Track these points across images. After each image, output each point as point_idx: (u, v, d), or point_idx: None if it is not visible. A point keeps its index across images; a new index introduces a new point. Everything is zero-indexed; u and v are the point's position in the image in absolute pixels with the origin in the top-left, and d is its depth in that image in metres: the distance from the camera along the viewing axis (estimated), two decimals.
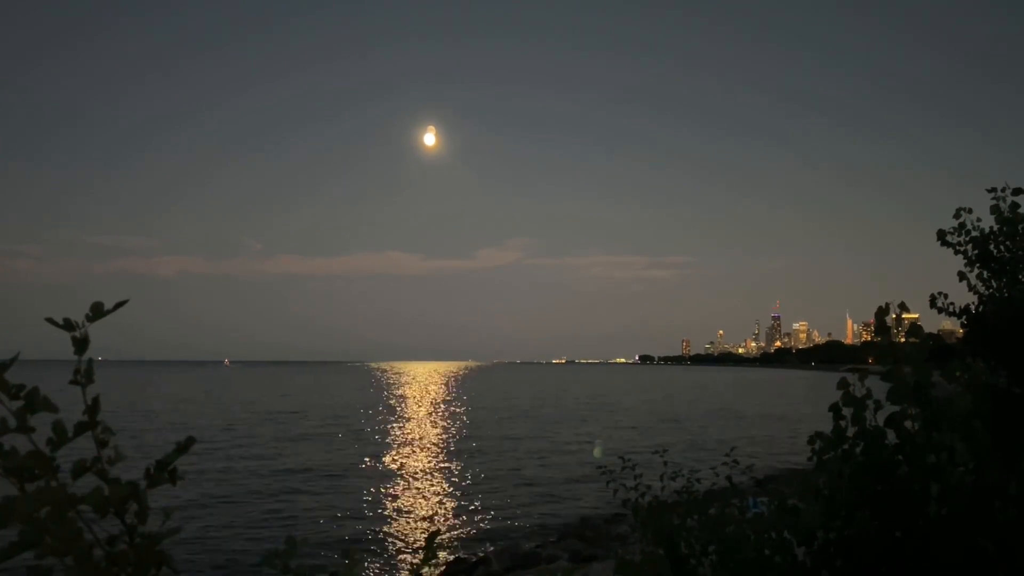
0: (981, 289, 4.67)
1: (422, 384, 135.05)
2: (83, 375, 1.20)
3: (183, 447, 1.29)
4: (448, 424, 51.73)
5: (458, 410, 65.47)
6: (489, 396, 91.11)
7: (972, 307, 4.67)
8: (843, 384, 2.49)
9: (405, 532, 19.98)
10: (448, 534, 19.71)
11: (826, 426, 2.55)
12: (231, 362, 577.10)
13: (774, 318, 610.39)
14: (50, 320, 1.20)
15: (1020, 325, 4.03)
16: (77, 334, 1.19)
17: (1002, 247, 4.58)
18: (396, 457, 34.43)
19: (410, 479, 28.44)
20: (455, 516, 22.14)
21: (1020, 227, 4.51)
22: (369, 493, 25.16)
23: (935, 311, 4.75)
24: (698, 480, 4.86)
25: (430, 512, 22.68)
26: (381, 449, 37.19)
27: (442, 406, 72.10)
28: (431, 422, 53.86)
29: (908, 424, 2.35)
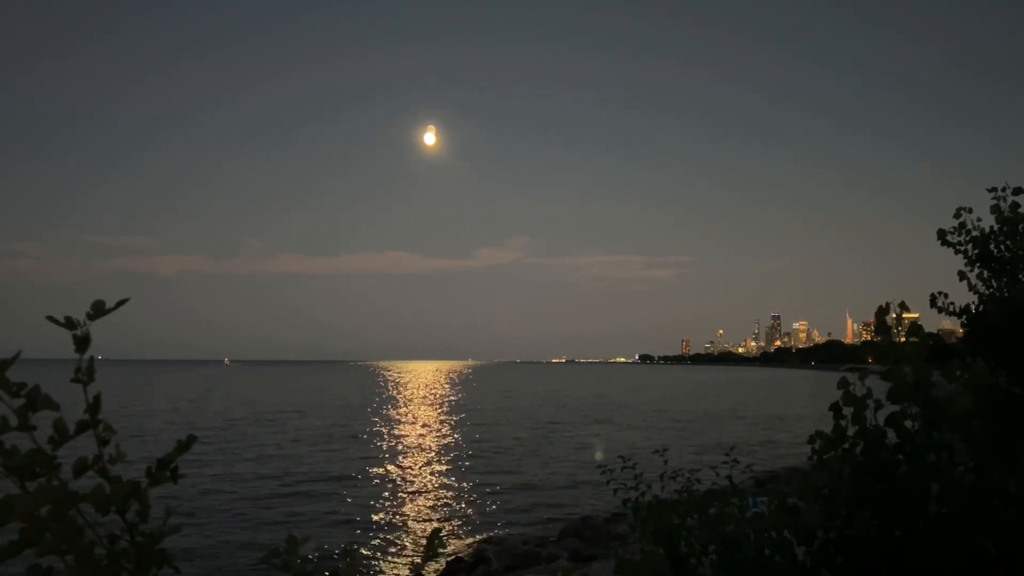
0: (981, 289, 4.67)
1: (422, 384, 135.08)
2: (84, 373, 1.20)
3: (184, 445, 1.29)
4: (448, 423, 51.74)
5: (458, 410, 65.47)
6: (489, 396, 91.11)
7: (972, 307, 4.66)
8: (843, 383, 2.49)
9: (405, 531, 19.99)
10: (448, 533, 19.71)
11: (826, 425, 2.55)
12: (231, 361, 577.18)
13: (774, 318, 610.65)
14: (51, 318, 1.20)
15: (1020, 325, 4.03)
16: (78, 332, 1.19)
17: (1002, 247, 4.58)
18: (396, 456, 34.44)
19: (410, 478, 28.45)
20: (455, 515, 22.15)
21: (1020, 227, 4.51)
22: (369, 492, 25.17)
23: (935, 311, 4.75)
24: (698, 480, 4.86)
25: (430, 511, 22.69)
26: (381, 448, 37.19)
27: (442, 406, 72.12)
28: (431, 421, 53.87)
29: (908, 423, 2.35)
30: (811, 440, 2.56)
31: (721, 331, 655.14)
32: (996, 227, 4.59)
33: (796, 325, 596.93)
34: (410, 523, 20.94)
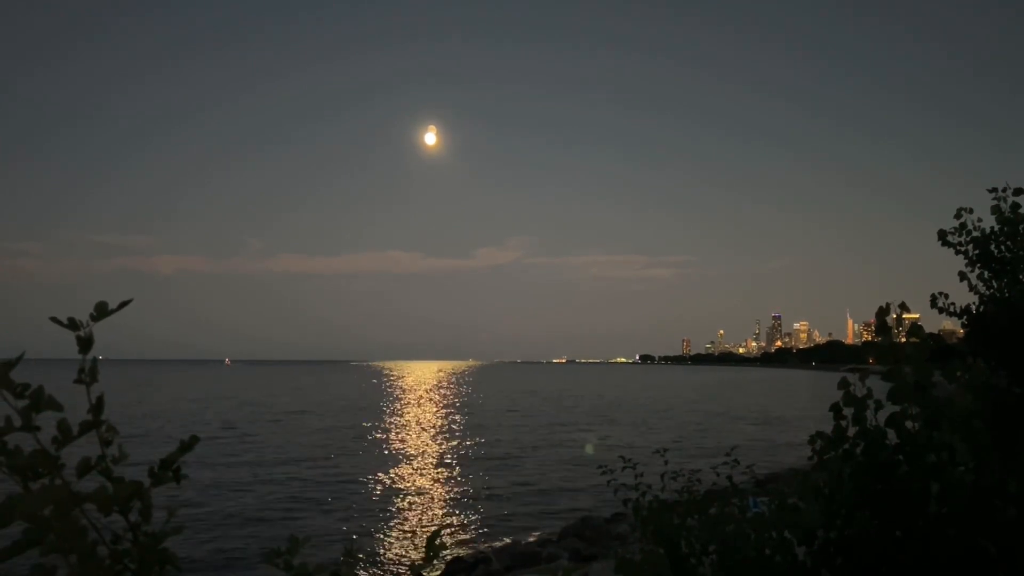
0: (982, 289, 4.67)
1: (423, 384, 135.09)
2: (88, 374, 1.20)
3: (187, 446, 1.29)
4: (448, 424, 51.74)
5: (458, 410, 65.47)
6: (490, 396, 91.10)
7: (973, 307, 4.67)
8: (844, 384, 2.49)
9: (406, 531, 19.99)
10: (448, 533, 19.72)
11: (827, 426, 2.55)
12: (232, 361, 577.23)
13: (775, 318, 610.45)
14: (55, 319, 1.20)
15: (1021, 326, 4.03)
16: (82, 333, 1.20)
17: (1003, 247, 4.58)
18: (396, 457, 34.45)
19: (411, 478, 28.46)
20: (455, 515, 22.16)
21: (1021, 227, 4.52)
22: (370, 492, 25.18)
23: (936, 311, 4.75)
24: (698, 480, 4.86)
25: (431, 511, 22.70)
26: (382, 449, 37.20)
27: (442, 406, 72.12)
28: (431, 422, 53.87)
29: (909, 424, 2.36)
30: (812, 440, 2.57)
31: (722, 331, 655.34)
32: (997, 228, 4.60)
33: (797, 325, 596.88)
34: (411, 523, 20.95)
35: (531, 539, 19.11)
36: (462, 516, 22.03)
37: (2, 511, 1.10)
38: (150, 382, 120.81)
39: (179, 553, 1.26)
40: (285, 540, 1.57)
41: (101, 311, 1.22)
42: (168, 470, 1.27)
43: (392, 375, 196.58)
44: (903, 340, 2.44)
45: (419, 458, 34.13)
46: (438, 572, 16.08)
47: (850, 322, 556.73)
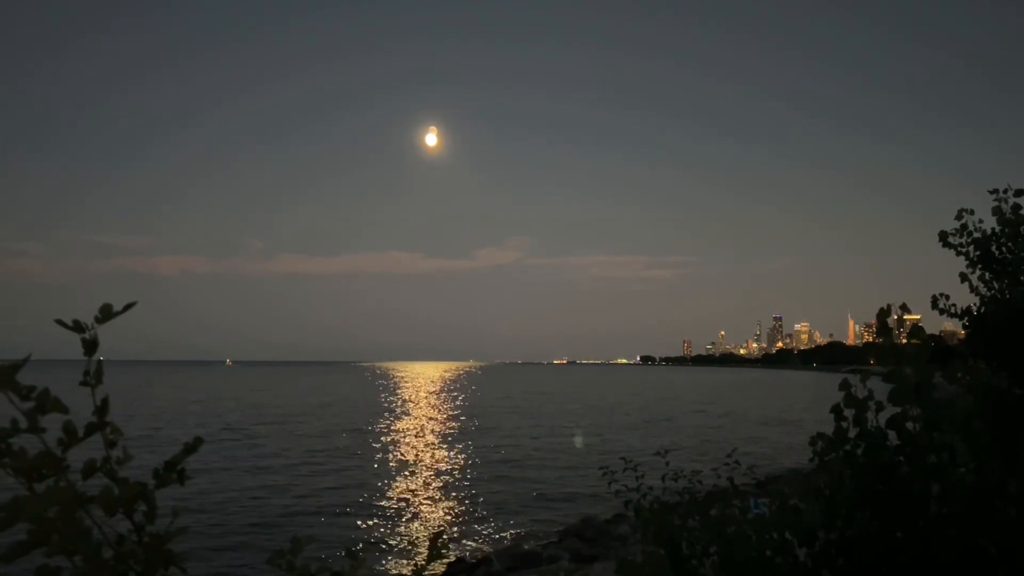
0: (983, 290, 4.68)
1: (424, 385, 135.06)
2: (93, 376, 1.21)
3: (191, 447, 1.30)
4: (449, 425, 51.74)
5: (459, 411, 65.46)
6: (490, 397, 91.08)
7: (974, 308, 4.67)
8: (845, 385, 2.50)
9: (408, 532, 20.00)
10: (450, 534, 19.72)
11: (828, 427, 2.55)
12: (233, 362, 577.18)
13: (775, 319, 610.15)
14: (60, 322, 1.21)
15: (1021, 327, 4.03)
16: (87, 336, 1.20)
17: (1004, 249, 4.59)
18: (399, 458, 34.45)
19: (412, 480, 28.46)
20: (457, 516, 22.16)
21: (1022, 229, 4.52)
22: (372, 493, 25.17)
23: (937, 312, 4.75)
24: (699, 481, 4.86)
25: (433, 512, 22.70)
26: (383, 450, 37.21)
27: (443, 407, 72.10)
28: (432, 424, 53.87)
29: (909, 425, 2.36)
30: (813, 442, 2.57)
31: (722, 332, 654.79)
32: (997, 229, 4.60)
33: (798, 326, 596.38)
34: (413, 524, 20.95)
35: (532, 540, 19.11)
36: (463, 517, 22.03)
37: (7, 512, 1.11)
38: (151, 383, 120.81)
39: (183, 554, 1.26)
40: (288, 541, 1.58)
41: (106, 313, 1.22)
42: (173, 471, 1.27)
43: (392, 376, 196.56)
44: (904, 341, 2.44)
45: (420, 459, 34.13)
46: (439, 573, 16.08)
47: (851, 323, 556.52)
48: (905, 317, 2.52)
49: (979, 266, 4.68)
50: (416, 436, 44.35)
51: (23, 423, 1.15)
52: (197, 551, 17.25)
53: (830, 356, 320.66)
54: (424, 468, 31.46)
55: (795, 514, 2.59)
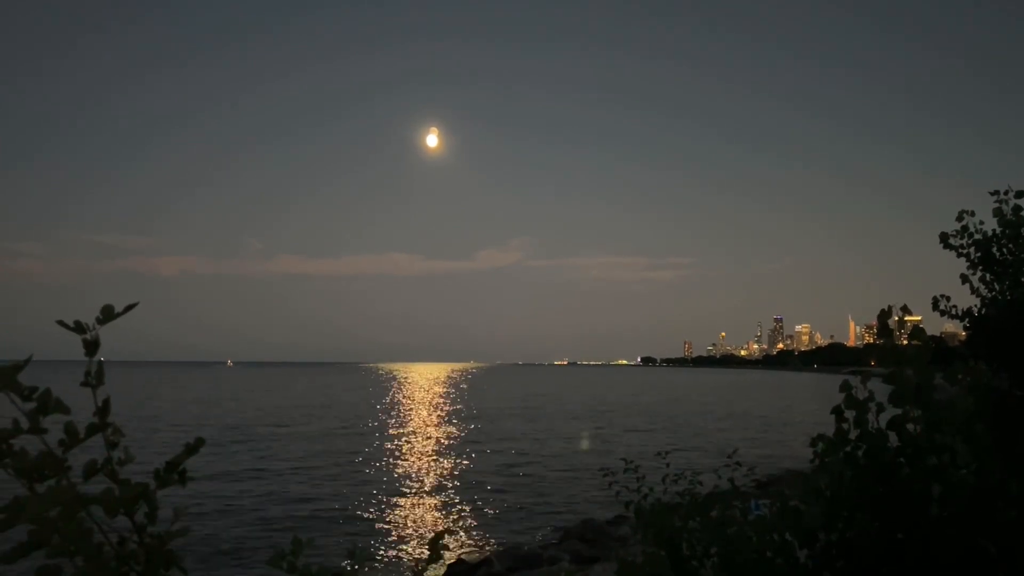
0: (983, 292, 4.67)
1: (424, 386, 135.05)
2: (94, 377, 1.21)
3: (192, 448, 1.30)
4: (450, 426, 51.74)
5: (459, 412, 65.46)
6: (491, 398, 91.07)
7: (974, 310, 4.67)
8: (845, 386, 2.50)
9: (409, 533, 19.99)
10: (450, 535, 19.71)
11: (828, 428, 2.55)
12: (233, 363, 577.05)
13: (776, 320, 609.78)
14: (61, 323, 1.21)
15: (1022, 328, 4.03)
16: (88, 337, 1.20)
17: (1004, 250, 4.59)
18: (399, 459, 34.45)
19: (413, 481, 28.46)
20: (457, 517, 22.16)
21: (1023, 230, 4.52)
22: (373, 494, 25.17)
23: (937, 313, 4.75)
24: (700, 482, 4.86)
25: (433, 513, 22.70)
26: (384, 451, 37.21)
27: (444, 409, 72.10)
28: (433, 425, 53.87)
29: (910, 426, 2.36)
30: (813, 443, 2.57)
31: (723, 333, 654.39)
32: (998, 230, 4.60)
33: (798, 328, 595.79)
34: (413, 525, 20.95)
35: (533, 541, 19.11)
36: (464, 518, 22.03)
37: (9, 513, 1.11)
38: (151, 384, 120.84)
39: (184, 555, 1.27)
40: (289, 542, 1.58)
41: (107, 314, 1.22)
42: (174, 472, 1.27)
43: (393, 377, 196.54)
44: (905, 343, 2.44)
45: (421, 460, 34.12)
46: (440, 574, 16.07)
47: (852, 324, 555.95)
48: (906, 318, 2.52)
49: (980, 267, 4.68)
50: (416, 437, 44.34)
51: (25, 424, 1.15)
52: (198, 552, 17.25)
53: (831, 357, 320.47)
54: (424, 469, 31.46)
55: (796, 515, 2.59)
